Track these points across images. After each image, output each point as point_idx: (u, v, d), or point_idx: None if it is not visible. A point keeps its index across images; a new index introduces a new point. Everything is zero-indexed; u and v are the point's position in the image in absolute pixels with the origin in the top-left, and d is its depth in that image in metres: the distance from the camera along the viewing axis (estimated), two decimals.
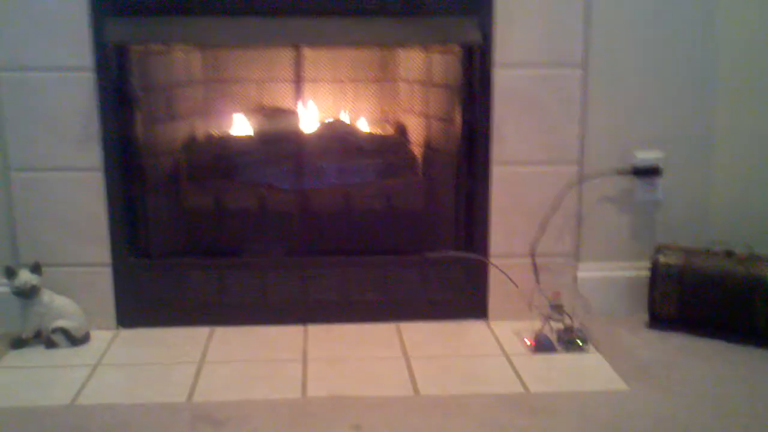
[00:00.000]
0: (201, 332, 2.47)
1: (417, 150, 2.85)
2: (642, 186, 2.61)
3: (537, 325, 2.43)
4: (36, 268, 2.33)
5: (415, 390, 2.14)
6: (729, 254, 2.47)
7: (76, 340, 2.37)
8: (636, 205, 2.63)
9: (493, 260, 2.56)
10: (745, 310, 2.41)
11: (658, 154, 2.59)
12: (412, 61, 2.86)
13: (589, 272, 2.63)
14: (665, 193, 2.62)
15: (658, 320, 2.53)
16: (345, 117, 2.91)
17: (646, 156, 2.59)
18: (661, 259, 2.51)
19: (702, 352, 2.38)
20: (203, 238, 2.64)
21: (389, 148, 2.84)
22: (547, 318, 2.43)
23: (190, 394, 2.09)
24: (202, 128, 2.85)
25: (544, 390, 2.14)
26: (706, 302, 2.46)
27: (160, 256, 2.54)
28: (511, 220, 2.54)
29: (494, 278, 2.57)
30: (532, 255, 2.55)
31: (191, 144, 2.78)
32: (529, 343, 2.40)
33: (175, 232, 2.64)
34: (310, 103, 2.83)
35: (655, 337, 2.49)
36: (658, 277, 2.51)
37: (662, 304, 2.51)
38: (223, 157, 2.76)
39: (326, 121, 2.85)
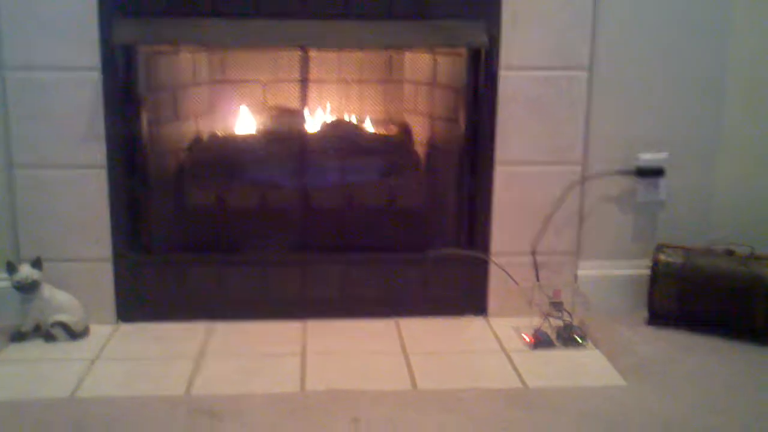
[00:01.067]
0: (200, 327, 2.48)
1: (421, 149, 2.86)
2: (644, 186, 2.61)
3: (536, 322, 2.43)
4: (37, 263, 2.34)
5: (414, 385, 2.14)
6: (729, 253, 2.47)
7: (76, 334, 2.38)
8: (638, 205, 2.63)
9: (494, 258, 2.56)
10: (745, 309, 2.41)
11: (661, 155, 2.59)
12: (417, 63, 2.87)
13: (589, 270, 2.63)
14: (667, 193, 2.62)
15: (658, 318, 2.53)
16: (349, 117, 2.92)
17: (649, 157, 2.59)
18: (662, 257, 2.51)
19: (701, 349, 2.38)
20: (204, 235, 2.64)
21: (393, 148, 2.85)
22: (547, 315, 2.43)
23: (189, 388, 2.09)
24: (206, 127, 2.86)
25: (542, 386, 2.14)
26: (705, 300, 2.46)
27: (161, 252, 2.55)
28: (513, 218, 2.55)
29: (494, 275, 2.57)
30: (533, 253, 2.55)
31: (195, 142, 2.79)
32: (528, 339, 2.39)
33: (176, 229, 2.65)
34: (315, 103, 2.84)
35: (655, 334, 2.49)
36: (658, 275, 2.51)
37: (662, 302, 2.51)
38: (226, 155, 2.77)
39: (330, 121, 2.86)
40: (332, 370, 2.21)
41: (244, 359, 2.28)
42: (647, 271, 2.53)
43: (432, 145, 2.82)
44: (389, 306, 2.57)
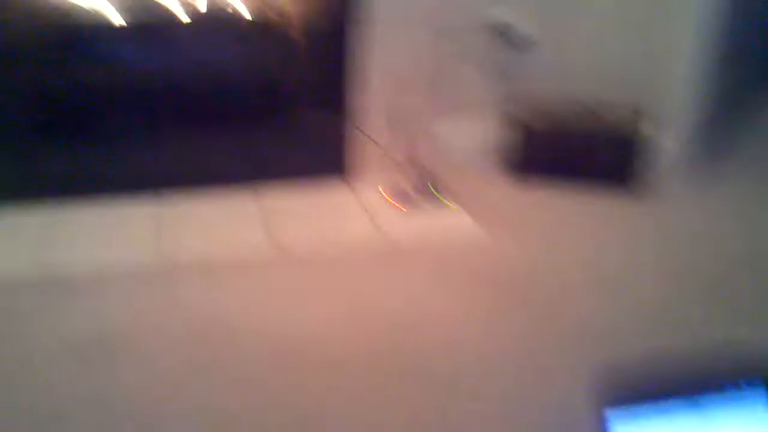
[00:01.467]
0: (53, 208, 2.36)
1: (281, 15, 2.77)
2: (502, 43, 2.61)
3: (397, 180, 2.45)
4: None
5: (276, 248, 2.14)
6: (581, 107, 2.53)
7: None
8: (495, 62, 2.64)
9: (353, 120, 2.54)
10: (593, 159, 2.49)
11: (518, 13, 2.60)
12: None
13: (448, 127, 2.64)
14: (525, 49, 2.63)
15: (514, 171, 2.58)
16: None
17: (505, 14, 2.59)
18: (517, 112, 2.56)
19: (554, 199, 2.46)
20: (54, 112, 2.51)
21: (252, 17, 2.75)
22: (407, 172, 2.45)
23: (41, 266, 2.03)
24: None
25: (404, 241, 2.18)
26: (558, 152, 2.54)
27: (7, 133, 2.42)
28: (373, 80, 2.52)
29: (355, 137, 2.56)
30: (392, 113, 2.53)
31: (41, 16, 2.62)
32: (388, 197, 2.41)
33: (22, 109, 2.51)
34: None
35: (511, 187, 2.55)
36: (513, 129, 2.55)
37: (517, 156, 2.56)
38: (76, 30, 2.62)
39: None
40: (191, 240, 2.18)
41: (100, 235, 2.21)
42: (504, 126, 2.56)
43: (293, 11, 2.74)
44: (249, 174, 2.53)
